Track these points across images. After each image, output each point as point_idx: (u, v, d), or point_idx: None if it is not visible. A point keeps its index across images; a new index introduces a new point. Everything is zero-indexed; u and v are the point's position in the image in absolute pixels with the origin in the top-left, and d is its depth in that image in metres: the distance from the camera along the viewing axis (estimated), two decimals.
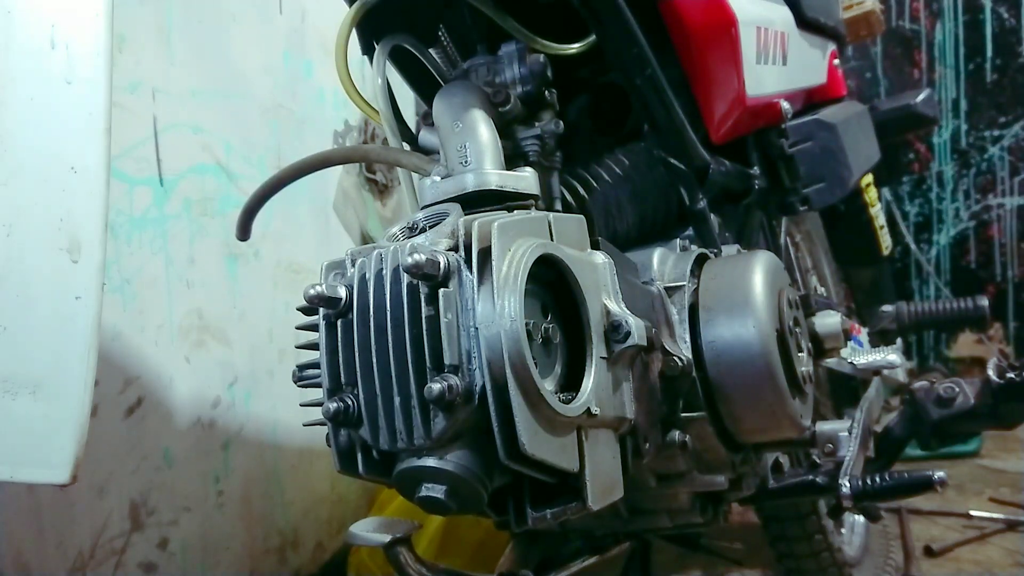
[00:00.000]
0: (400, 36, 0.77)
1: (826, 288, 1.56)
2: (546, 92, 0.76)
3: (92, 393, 0.54)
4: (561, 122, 0.76)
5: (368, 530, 0.77)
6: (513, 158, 0.72)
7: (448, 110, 0.68)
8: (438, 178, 0.67)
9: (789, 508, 1.33)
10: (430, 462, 0.52)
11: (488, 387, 0.51)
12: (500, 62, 0.75)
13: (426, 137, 0.77)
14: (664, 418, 0.71)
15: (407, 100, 1.00)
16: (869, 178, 1.55)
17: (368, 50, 0.78)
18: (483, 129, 0.67)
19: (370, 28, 0.76)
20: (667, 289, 0.75)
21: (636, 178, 0.87)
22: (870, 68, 2.66)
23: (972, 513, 1.86)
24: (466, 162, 0.65)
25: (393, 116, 0.77)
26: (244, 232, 0.80)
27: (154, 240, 1.24)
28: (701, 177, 0.87)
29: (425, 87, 0.84)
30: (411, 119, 0.85)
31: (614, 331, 0.60)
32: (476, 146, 0.66)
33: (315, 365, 0.59)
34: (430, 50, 0.83)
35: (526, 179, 0.66)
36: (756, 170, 1.03)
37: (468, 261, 0.53)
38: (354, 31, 0.76)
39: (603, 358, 0.59)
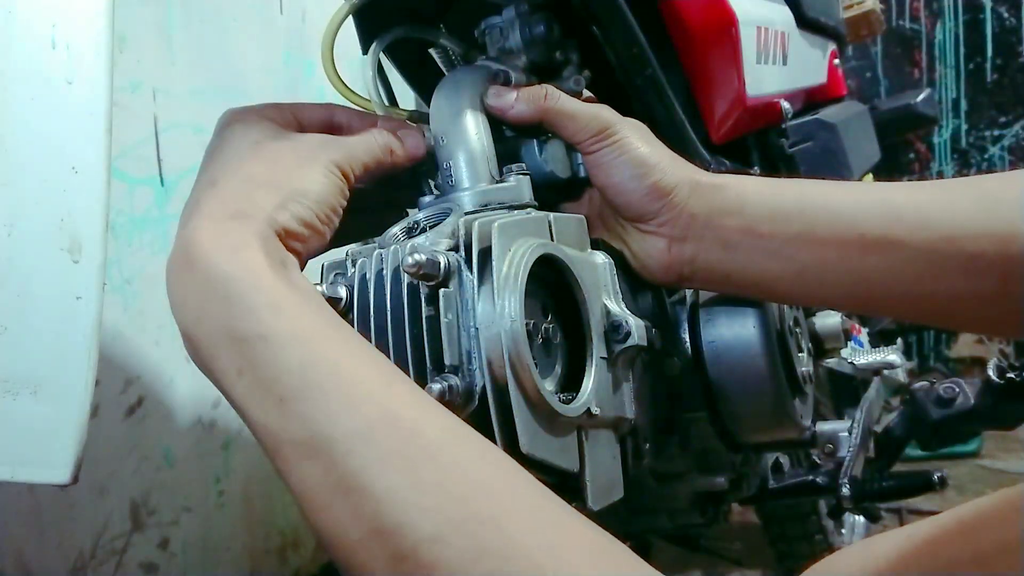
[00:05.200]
0: (400, 29, 0.74)
1: None
2: (557, 54, 0.72)
3: (93, 393, 0.54)
4: (582, 78, 0.71)
5: None
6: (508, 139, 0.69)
7: (438, 115, 0.66)
8: (432, 197, 0.65)
9: (789, 508, 1.33)
10: None
11: (488, 387, 0.51)
12: (509, 23, 0.70)
13: None
14: (664, 418, 0.71)
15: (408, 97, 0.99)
16: (869, 178, 1.55)
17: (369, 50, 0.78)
18: (472, 139, 0.64)
19: (370, 26, 0.75)
20: (667, 289, 0.75)
21: None
22: (870, 68, 2.66)
23: None
24: (451, 183, 0.63)
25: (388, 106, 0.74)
26: None
27: (155, 240, 1.24)
28: None
29: (428, 87, 0.83)
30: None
31: (614, 331, 0.60)
32: (460, 164, 0.63)
33: None
34: (430, 51, 0.82)
35: (515, 188, 0.63)
36: (756, 170, 1.03)
37: (468, 261, 0.53)
38: (354, 35, 0.76)
39: (603, 358, 0.59)
